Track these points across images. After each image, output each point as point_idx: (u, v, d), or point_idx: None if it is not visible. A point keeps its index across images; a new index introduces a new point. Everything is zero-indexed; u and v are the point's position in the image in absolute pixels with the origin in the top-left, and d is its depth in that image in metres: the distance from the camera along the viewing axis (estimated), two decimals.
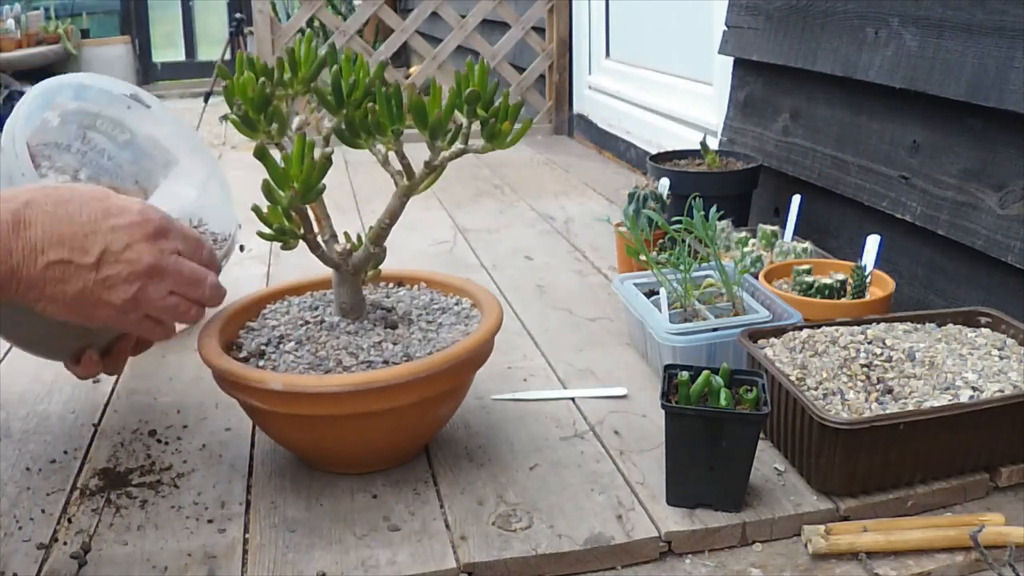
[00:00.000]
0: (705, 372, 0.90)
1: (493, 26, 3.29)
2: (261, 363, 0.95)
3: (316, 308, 1.06)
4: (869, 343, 1.03)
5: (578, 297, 1.52)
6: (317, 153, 0.90)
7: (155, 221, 0.83)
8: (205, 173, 1.19)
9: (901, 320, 1.11)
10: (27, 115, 1.00)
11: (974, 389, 0.94)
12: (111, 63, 7.08)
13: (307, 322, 1.02)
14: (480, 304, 1.05)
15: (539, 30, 3.12)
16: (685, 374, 0.89)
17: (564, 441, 1.05)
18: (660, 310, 1.19)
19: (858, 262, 1.29)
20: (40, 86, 1.04)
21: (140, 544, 0.87)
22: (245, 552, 0.86)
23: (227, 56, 5.65)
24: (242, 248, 1.16)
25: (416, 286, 1.13)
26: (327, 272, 1.03)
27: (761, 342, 1.06)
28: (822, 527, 0.86)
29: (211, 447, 1.05)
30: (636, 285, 1.28)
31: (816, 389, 0.96)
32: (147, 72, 7.67)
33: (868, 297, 1.25)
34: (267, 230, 0.92)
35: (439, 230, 1.95)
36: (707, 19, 2.11)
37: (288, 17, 4.01)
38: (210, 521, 0.91)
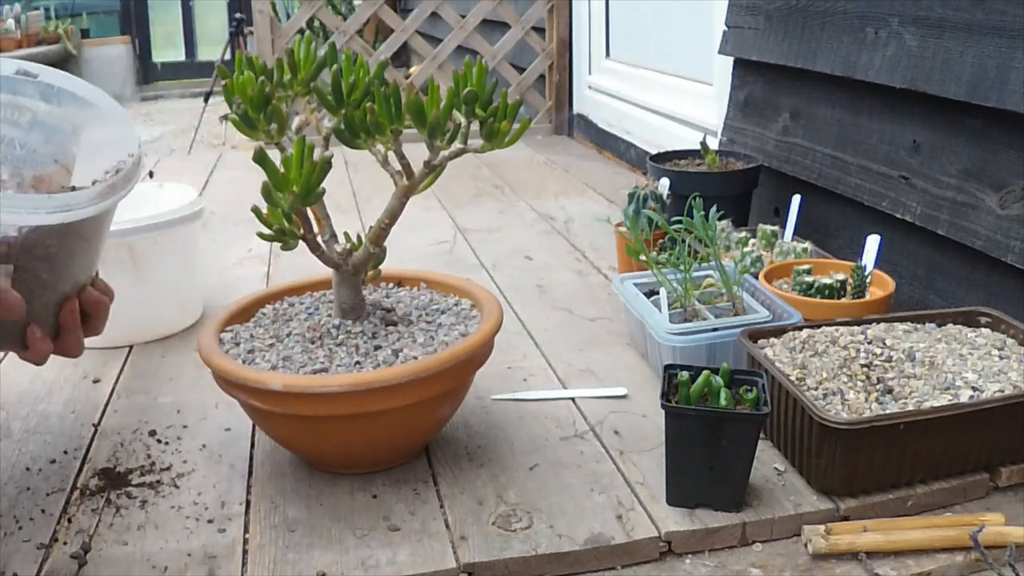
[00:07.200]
0: (705, 372, 0.89)
1: (493, 26, 3.29)
2: (262, 363, 0.95)
3: (316, 308, 1.06)
4: (869, 343, 1.03)
5: (578, 297, 1.52)
6: (317, 155, 0.90)
7: None
8: (103, 104, 1.06)
9: (901, 320, 1.11)
10: None
11: (974, 389, 0.93)
12: (111, 63, 7.08)
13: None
14: (480, 304, 1.05)
15: (539, 30, 3.12)
16: (685, 374, 0.89)
17: (564, 441, 1.05)
18: (660, 310, 1.18)
19: (858, 262, 1.29)
20: None
21: (140, 544, 0.87)
22: (245, 552, 0.86)
23: (227, 56, 5.65)
24: (151, 174, 1.06)
25: (416, 286, 1.13)
26: (327, 272, 1.03)
27: (761, 342, 1.06)
28: (822, 527, 0.86)
29: (211, 447, 1.05)
30: (636, 285, 1.28)
31: (816, 389, 0.96)
32: (147, 72, 7.68)
33: (868, 297, 1.25)
34: (267, 231, 0.92)
35: (439, 230, 1.95)
36: (707, 19, 2.11)
37: (288, 17, 4.01)
38: (210, 521, 0.91)
